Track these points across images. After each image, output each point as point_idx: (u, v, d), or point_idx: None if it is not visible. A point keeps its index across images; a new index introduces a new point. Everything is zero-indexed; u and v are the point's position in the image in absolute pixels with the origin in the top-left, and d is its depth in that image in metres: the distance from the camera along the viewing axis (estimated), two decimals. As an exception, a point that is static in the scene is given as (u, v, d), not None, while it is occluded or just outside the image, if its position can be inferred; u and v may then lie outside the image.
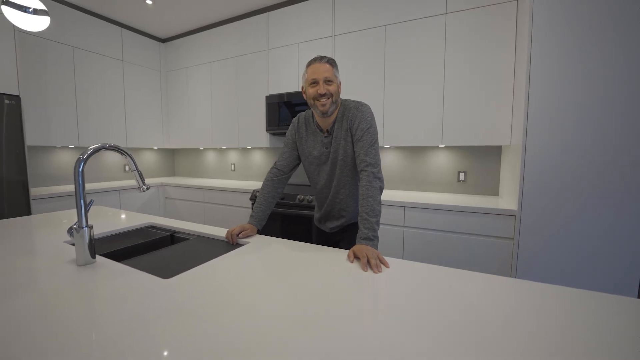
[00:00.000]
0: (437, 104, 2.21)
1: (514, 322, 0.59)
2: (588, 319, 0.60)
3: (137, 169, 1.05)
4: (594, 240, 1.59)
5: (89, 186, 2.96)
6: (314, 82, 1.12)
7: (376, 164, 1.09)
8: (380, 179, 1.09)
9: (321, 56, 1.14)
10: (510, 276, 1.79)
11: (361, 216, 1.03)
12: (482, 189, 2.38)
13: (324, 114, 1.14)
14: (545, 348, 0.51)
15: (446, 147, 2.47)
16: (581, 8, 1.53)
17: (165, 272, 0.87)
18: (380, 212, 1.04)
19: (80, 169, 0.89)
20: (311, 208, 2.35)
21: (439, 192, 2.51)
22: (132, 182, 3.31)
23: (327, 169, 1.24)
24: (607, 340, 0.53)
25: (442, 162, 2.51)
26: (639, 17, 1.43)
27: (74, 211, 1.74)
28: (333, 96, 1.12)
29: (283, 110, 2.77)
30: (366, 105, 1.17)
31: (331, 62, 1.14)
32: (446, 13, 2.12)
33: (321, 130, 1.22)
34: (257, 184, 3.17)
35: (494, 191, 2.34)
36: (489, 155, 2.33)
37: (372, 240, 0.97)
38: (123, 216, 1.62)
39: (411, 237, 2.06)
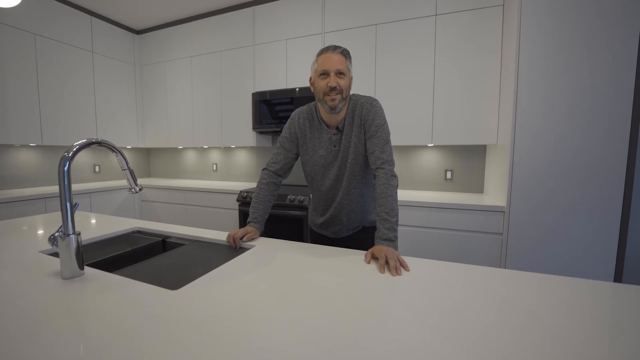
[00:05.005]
0: (427, 104, 2.24)
1: (542, 318, 0.58)
2: (612, 310, 0.60)
3: (128, 167, 0.95)
4: (582, 236, 1.67)
5: (53, 189, 2.68)
6: (324, 74, 1.04)
7: (392, 161, 1.05)
8: (397, 177, 1.06)
9: (335, 45, 1.05)
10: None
11: (380, 216, 0.98)
12: (468, 187, 2.45)
13: (333, 110, 1.06)
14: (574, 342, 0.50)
15: (434, 146, 2.51)
16: (568, 8, 1.60)
17: (170, 282, 0.78)
18: (398, 211, 1.00)
19: (65, 168, 0.77)
20: (302, 208, 2.29)
21: (427, 190, 2.56)
22: (104, 185, 3.05)
23: (334, 168, 1.16)
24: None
25: (430, 160, 2.55)
26: (625, 18, 1.52)
27: (38, 217, 1.53)
28: (343, 91, 1.05)
29: (271, 108, 2.68)
30: (378, 100, 1.12)
31: (345, 54, 1.05)
32: (436, 15, 2.15)
33: (328, 127, 1.15)
34: (242, 185, 3.05)
35: (479, 189, 2.41)
36: (474, 153, 2.41)
37: (393, 241, 0.94)
38: (100, 221, 1.47)
39: (402, 235, 2.07)
